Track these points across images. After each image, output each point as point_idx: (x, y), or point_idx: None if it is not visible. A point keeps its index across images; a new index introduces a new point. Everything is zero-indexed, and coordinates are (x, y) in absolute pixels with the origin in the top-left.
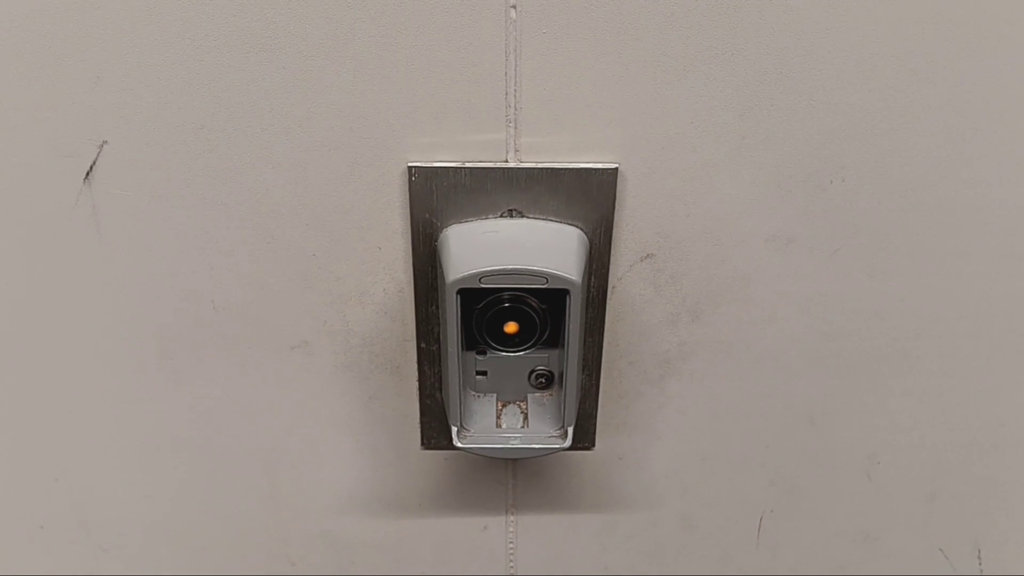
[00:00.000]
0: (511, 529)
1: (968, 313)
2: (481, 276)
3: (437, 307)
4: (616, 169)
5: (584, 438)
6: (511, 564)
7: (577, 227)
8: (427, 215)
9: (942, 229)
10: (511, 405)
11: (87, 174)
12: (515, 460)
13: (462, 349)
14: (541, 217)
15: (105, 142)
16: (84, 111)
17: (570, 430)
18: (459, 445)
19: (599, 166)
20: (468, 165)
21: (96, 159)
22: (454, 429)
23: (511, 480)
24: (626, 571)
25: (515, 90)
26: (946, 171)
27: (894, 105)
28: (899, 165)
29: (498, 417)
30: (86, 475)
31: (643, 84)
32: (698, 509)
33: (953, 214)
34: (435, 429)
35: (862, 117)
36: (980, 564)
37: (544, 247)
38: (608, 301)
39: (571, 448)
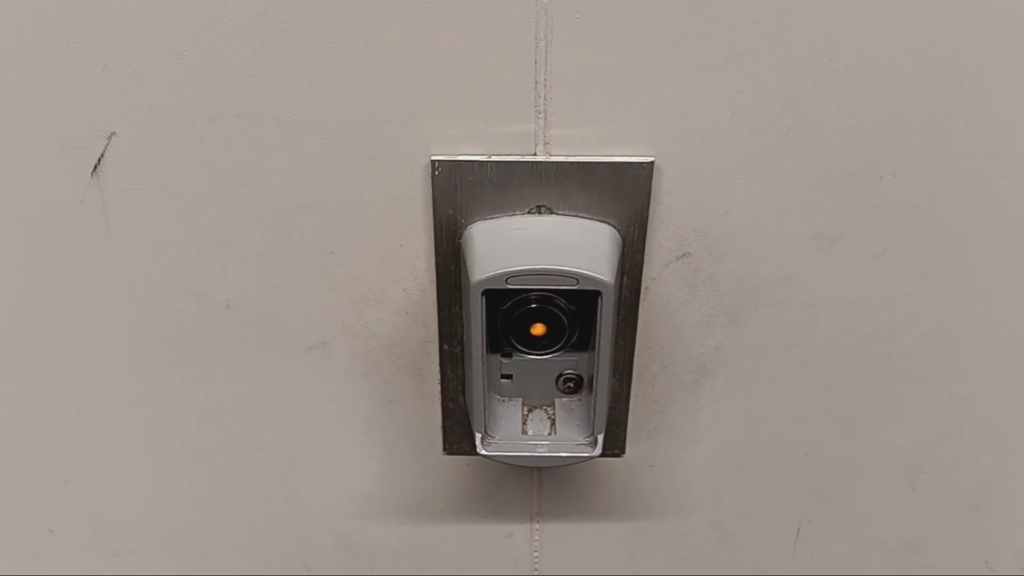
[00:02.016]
0: (536, 537)
1: (1020, 317)
2: (508, 276)
3: (460, 307)
4: (652, 163)
5: (614, 444)
6: (536, 573)
7: (609, 224)
8: (451, 211)
9: (995, 229)
10: (538, 410)
11: (95, 167)
12: (540, 467)
13: (487, 351)
14: (571, 214)
15: (113, 134)
16: (91, 101)
17: (600, 437)
18: (483, 452)
19: (634, 160)
20: (494, 158)
21: (104, 151)
22: (478, 436)
23: (536, 486)
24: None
25: (545, 79)
26: (1001, 168)
27: (949, 99)
28: (952, 161)
29: (524, 423)
30: (97, 478)
31: (681, 73)
32: (732, 518)
33: (1007, 213)
34: (458, 434)
35: (916, 110)
36: None
37: (574, 246)
38: (641, 302)
39: (601, 455)
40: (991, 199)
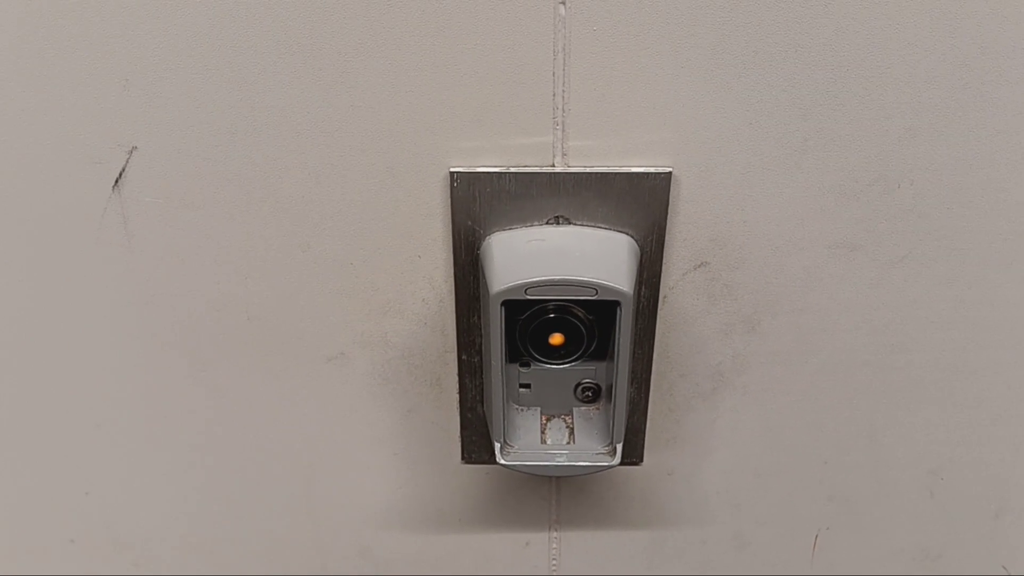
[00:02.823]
0: (554, 546)
1: None
2: (527, 287)
3: (479, 318)
4: (669, 173)
5: (632, 453)
6: None
7: (627, 234)
8: (469, 222)
9: (1014, 236)
10: (556, 419)
11: (116, 181)
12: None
13: (505, 361)
14: (590, 224)
15: (135, 148)
16: (112, 116)
17: (619, 446)
18: (503, 462)
19: (651, 170)
20: (513, 170)
21: (125, 166)
22: (497, 445)
23: (554, 495)
24: None
25: (563, 91)
26: (1019, 175)
27: (967, 106)
28: (971, 169)
29: (543, 432)
30: (117, 489)
31: (698, 83)
32: (751, 526)
33: None
34: (476, 443)
35: (934, 118)
36: None
37: (593, 256)
38: (659, 311)
39: (619, 464)
40: (1009, 206)
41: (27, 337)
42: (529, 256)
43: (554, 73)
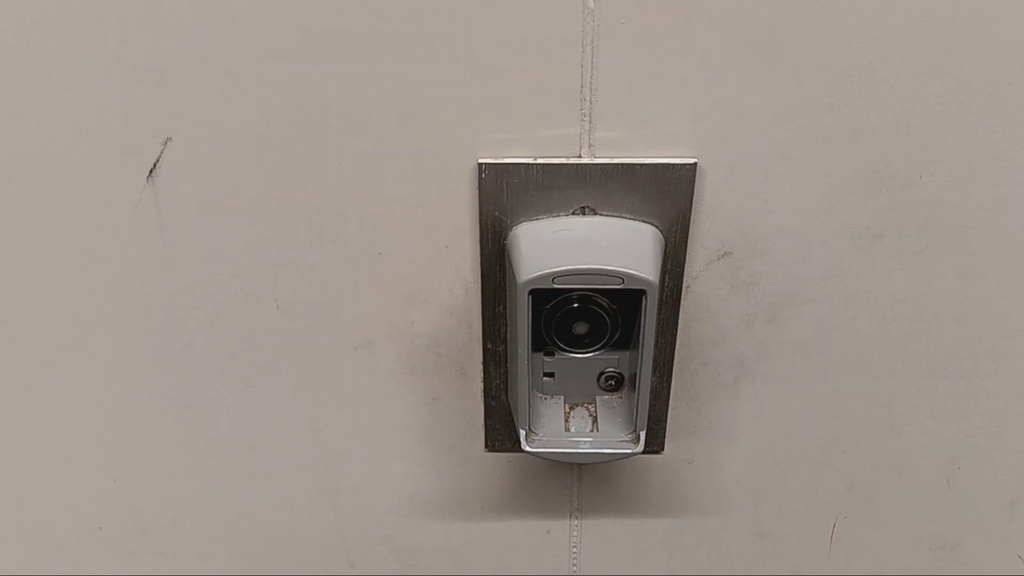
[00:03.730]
0: (575, 533)
1: None
2: (554, 276)
3: (504, 307)
4: (695, 164)
5: (653, 441)
6: (575, 568)
7: (652, 225)
8: (497, 213)
9: None
10: (579, 408)
11: (151, 172)
12: (582, 464)
13: (531, 350)
14: (615, 215)
15: (169, 139)
16: (148, 107)
17: (642, 434)
18: (528, 449)
19: (677, 161)
20: (540, 161)
21: (160, 157)
22: (522, 433)
23: (576, 483)
24: (691, 574)
25: (591, 83)
26: None
27: (988, 98)
28: (992, 160)
29: (566, 420)
30: (145, 477)
31: (724, 75)
32: (771, 515)
33: None
34: (500, 432)
35: (955, 110)
36: None
37: (619, 246)
38: (682, 301)
39: (640, 453)
40: None
41: (59, 327)
42: (556, 246)
43: (582, 65)
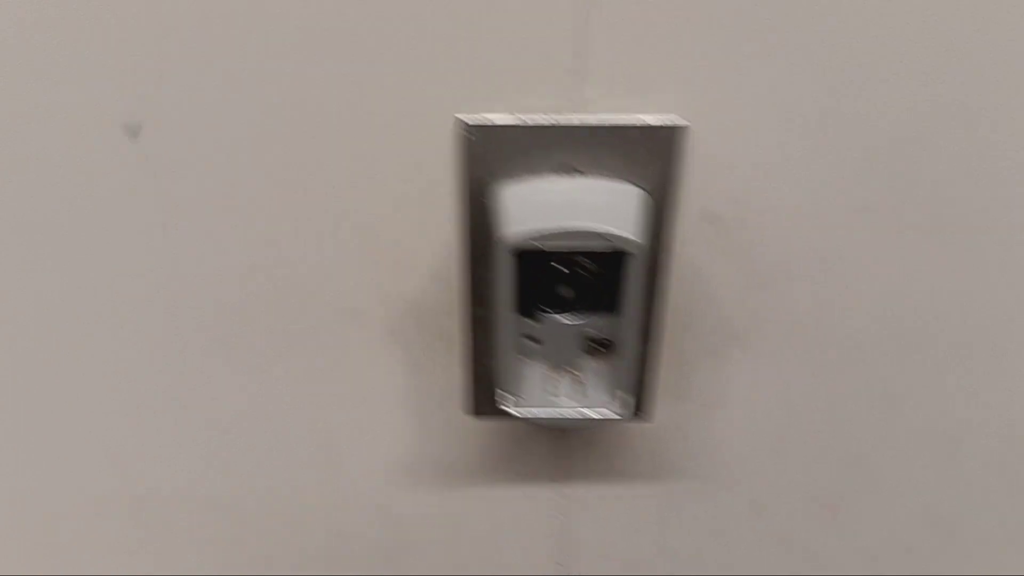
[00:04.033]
0: (563, 502)
1: None
2: (538, 237)
3: (488, 270)
4: (686, 127)
5: (640, 408)
6: (562, 536)
7: (640, 187)
8: (480, 173)
9: None
10: (565, 372)
11: (134, 137)
12: (568, 430)
13: (515, 314)
14: (602, 176)
15: (154, 120)
16: (138, 91)
17: (627, 399)
18: (513, 412)
19: (668, 123)
20: (525, 120)
21: (149, 136)
22: (506, 397)
23: (564, 451)
24: (684, 549)
25: (582, 39)
26: None
27: (993, 80)
28: (995, 143)
29: (552, 385)
30: (136, 448)
31: (720, 39)
32: (763, 487)
33: None
34: (485, 397)
35: (965, 89)
36: None
37: (605, 207)
38: (671, 266)
39: (628, 419)
40: None
41: (54, 306)
42: (540, 206)
43: (573, 24)
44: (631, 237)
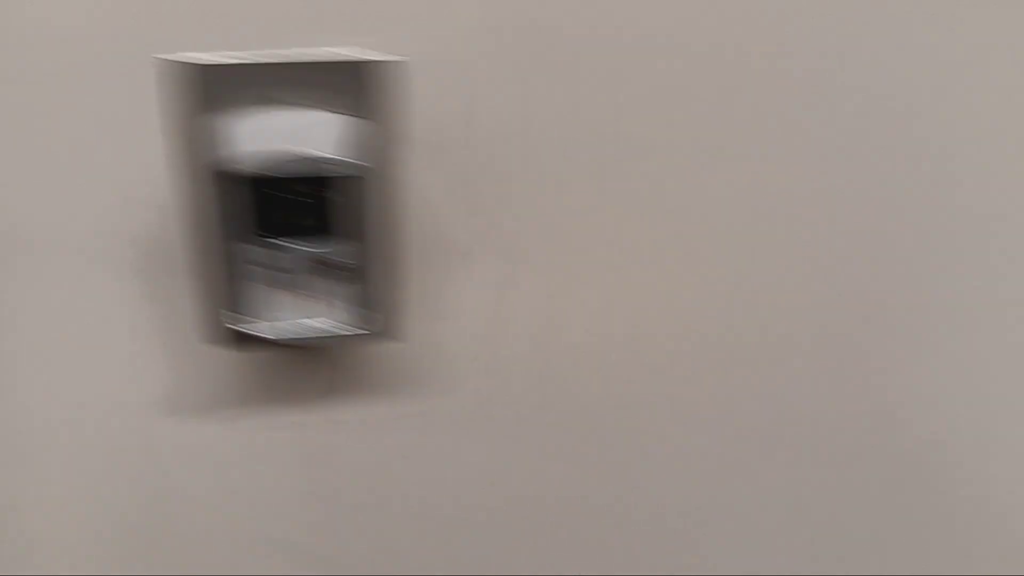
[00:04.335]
0: (329, 427)
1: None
2: (263, 163)
3: (216, 200)
4: (404, 62)
5: (389, 329)
6: (327, 462)
7: (362, 117)
8: (195, 109)
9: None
10: (301, 295)
11: None
12: (322, 356)
13: (245, 242)
14: (325, 109)
15: None
16: None
17: (369, 316)
18: (261, 334)
19: (387, 58)
20: (237, 59)
21: None
22: (248, 322)
23: (325, 378)
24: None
25: None
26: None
27: None
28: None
29: (289, 308)
30: None
31: None
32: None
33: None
34: (221, 324)
35: None
36: None
37: (328, 136)
38: (397, 191)
39: (374, 337)
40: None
41: None
42: (262, 134)
43: None
44: (355, 160)
